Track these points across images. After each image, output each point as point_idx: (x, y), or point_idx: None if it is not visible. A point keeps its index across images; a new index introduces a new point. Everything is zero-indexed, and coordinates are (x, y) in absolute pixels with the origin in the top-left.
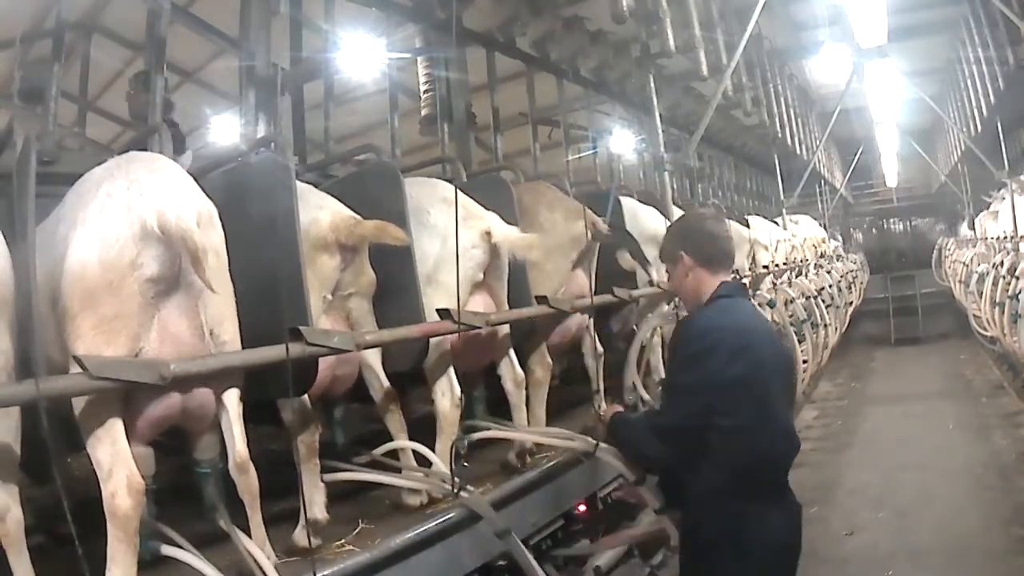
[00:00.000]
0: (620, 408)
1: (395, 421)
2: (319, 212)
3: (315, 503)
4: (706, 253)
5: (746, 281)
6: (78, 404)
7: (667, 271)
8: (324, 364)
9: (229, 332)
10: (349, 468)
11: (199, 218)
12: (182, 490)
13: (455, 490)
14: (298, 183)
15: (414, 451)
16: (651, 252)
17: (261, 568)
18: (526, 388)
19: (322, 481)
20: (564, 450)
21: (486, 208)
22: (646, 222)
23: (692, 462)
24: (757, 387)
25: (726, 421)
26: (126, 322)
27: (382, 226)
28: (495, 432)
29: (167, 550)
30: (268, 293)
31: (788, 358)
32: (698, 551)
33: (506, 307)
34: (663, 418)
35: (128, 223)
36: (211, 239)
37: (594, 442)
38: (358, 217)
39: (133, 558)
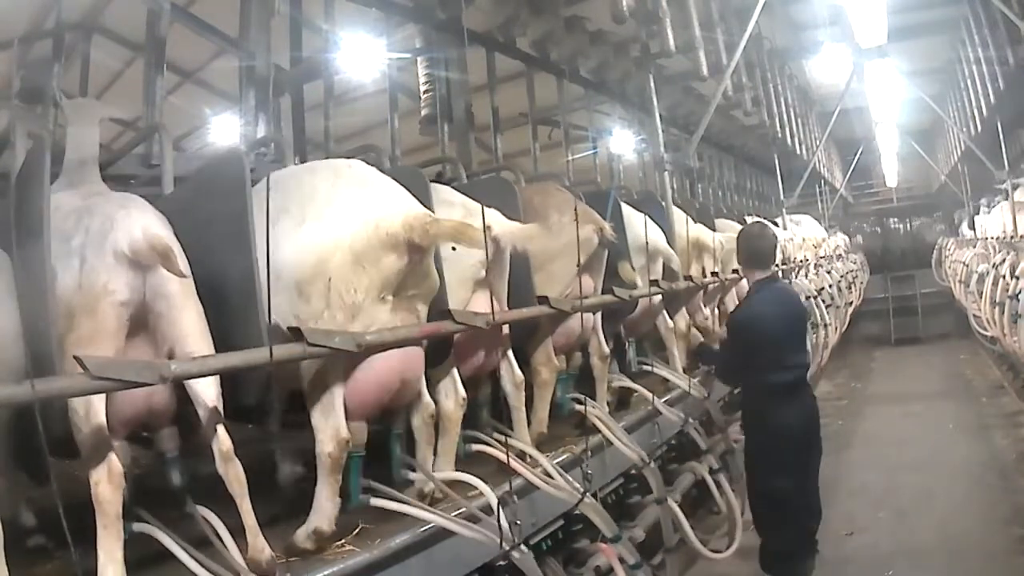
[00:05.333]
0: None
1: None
2: (392, 207)
3: (324, 513)
4: (750, 258)
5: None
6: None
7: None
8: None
9: (203, 350)
10: (395, 497)
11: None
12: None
13: (505, 547)
14: (374, 170)
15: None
16: (639, 262)
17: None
18: (531, 388)
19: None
20: (554, 484)
21: (489, 207)
22: (637, 230)
23: (740, 382)
24: (765, 345)
25: (751, 362)
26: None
27: (460, 227)
28: (491, 451)
29: (138, 526)
30: (227, 296)
31: (799, 322)
32: (746, 436)
33: (506, 305)
34: (720, 360)
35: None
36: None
37: (581, 491)
38: (433, 214)
39: (118, 542)
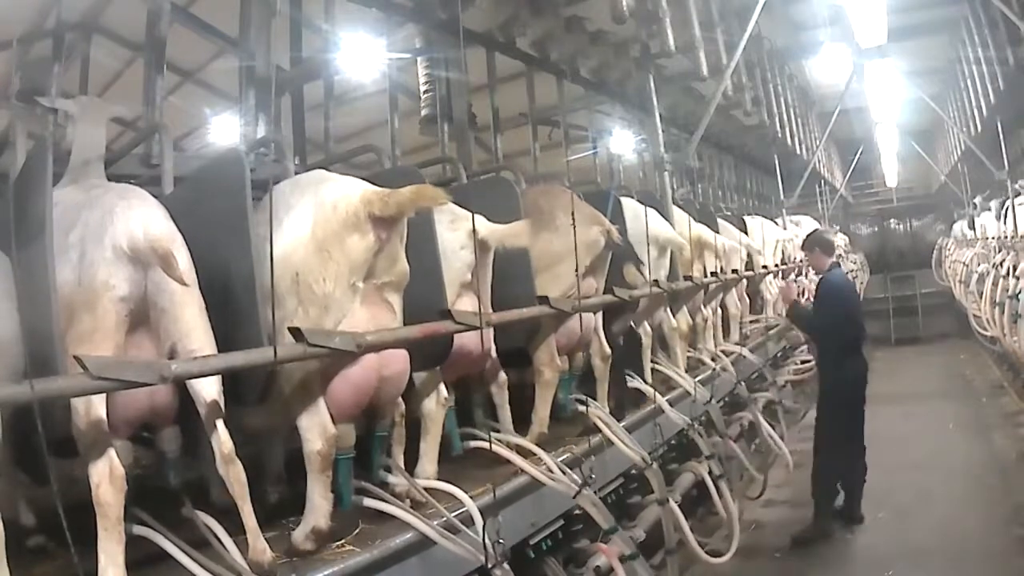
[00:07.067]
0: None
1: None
2: (349, 188)
3: (320, 511)
4: (823, 247)
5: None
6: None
7: (807, 255)
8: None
9: (206, 347)
10: (387, 500)
11: (171, 236)
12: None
13: (489, 564)
14: (330, 173)
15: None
16: (642, 252)
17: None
18: (534, 387)
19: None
20: (552, 473)
21: (491, 209)
22: (639, 220)
23: (821, 337)
24: (847, 301)
25: (840, 313)
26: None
27: (419, 189)
28: (487, 445)
29: (139, 530)
30: (228, 296)
31: (857, 294)
32: (823, 380)
33: (490, 308)
34: (815, 319)
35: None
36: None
37: (576, 486)
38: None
39: (119, 545)
